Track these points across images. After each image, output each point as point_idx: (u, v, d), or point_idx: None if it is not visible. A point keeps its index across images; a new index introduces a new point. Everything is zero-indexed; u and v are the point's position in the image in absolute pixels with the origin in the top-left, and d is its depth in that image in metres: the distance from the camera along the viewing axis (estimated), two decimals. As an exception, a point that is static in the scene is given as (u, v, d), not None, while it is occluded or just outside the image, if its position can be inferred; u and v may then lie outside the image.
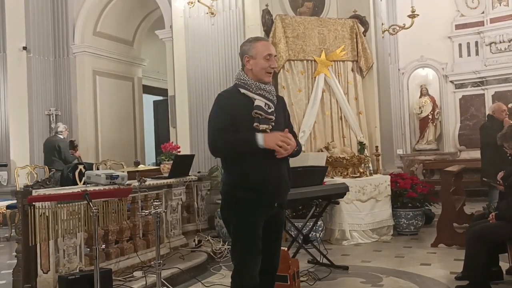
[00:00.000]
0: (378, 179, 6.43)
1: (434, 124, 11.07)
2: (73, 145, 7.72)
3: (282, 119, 2.81)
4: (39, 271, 3.82)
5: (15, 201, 5.18)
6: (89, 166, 6.59)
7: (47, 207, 3.55)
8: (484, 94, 10.62)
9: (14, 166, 7.91)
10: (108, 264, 4.23)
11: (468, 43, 10.78)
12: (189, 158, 5.86)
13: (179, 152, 6.01)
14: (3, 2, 8.64)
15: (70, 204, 3.65)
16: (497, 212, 4.04)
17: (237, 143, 2.65)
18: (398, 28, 8.20)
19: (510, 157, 4.38)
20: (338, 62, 7.22)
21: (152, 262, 4.36)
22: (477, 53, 10.70)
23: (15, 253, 4.01)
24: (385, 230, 6.31)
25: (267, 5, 6.98)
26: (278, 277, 3.00)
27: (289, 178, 2.85)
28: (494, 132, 5.23)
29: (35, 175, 7.52)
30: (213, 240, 5.77)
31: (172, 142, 6.36)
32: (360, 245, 5.98)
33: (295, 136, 2.84)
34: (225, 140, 2.64)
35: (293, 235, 5.23)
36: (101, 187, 4.07)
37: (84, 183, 4.65)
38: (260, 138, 2.59)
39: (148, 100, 11.56)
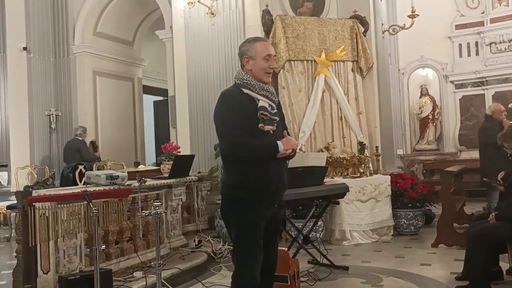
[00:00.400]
0: (378, 179, 6.42)
1: (434, 124, 11.07)
2: (93, 146, 8.40)
3: (280, 121, 2.82)
4: (39, 272, 3.82)
5: (15, 202, 5.19)
6: (89, 167, 6.60)
7: (47, 208, 3.55)
8: (484, 94, 10.62)
9: (14, 167, 7.91)
10: (108, 265, 4.23)
11: (468, 43, 10.78)
12: (189, 159, 5.86)
13: (179, 152, 6.02)
14: (3, 3, 8.65)
15: (70, 204, 3.65)
16: (497, 212, 4.04)
17: (261, 149, 2.67)
18: (398, 28, 8.20)
19: (510, 157, 4.38)
20: (338, 62, 7.22)
21: (152, 263, 4.36)
22: (477, 53, 10.69)
23: (15, 254, 4.00)
24: (385, 230, 6.31)
25: (267, 5, 6.98)
26: (278, 278, 3.00)
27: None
28: (494, 132, 5.23)
29: (35, 176, 7.53)
30: (213, 240, 5.77)
31: (172, 143, 6.37)
32: (360, 245, 5.98)
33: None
34: (247, 143, 2.64)
35: (293, 236, 5.23)
36: (101, 188, 4.07)
37: (84, 184, 4.65)
38: (280, 145, 2.65)
39: (148, 100, 11.56)
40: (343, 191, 5.19)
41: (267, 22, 6.94)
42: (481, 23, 10.59)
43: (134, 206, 4.78)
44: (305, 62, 7.06)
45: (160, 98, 11.73)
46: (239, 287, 2.71)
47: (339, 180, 6.11)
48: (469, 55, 10.78)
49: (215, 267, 5.03)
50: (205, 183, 6.62)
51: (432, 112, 11.05)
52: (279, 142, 2.66)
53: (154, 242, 4.44)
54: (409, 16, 7.58)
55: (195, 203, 6.39)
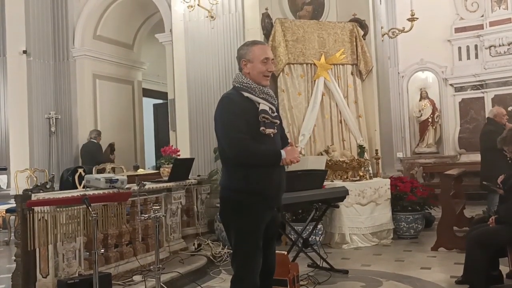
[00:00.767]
0: (378, 183, 6.43)
1: (434, 127, 11.07)
2: (111, 148, 8.79)
3: (279, 123, 2.84)
4: (38, 275, 3.81)
5: (14, 205, 5.18)
6: (88, 170, 6.58)
7: (46, 211, 3.55)
8: (483, 97, 10.62)
9: (13, 170, 7.90)
10: (107, 268, 4.23)
11: (468, 46, 10.78)
12: (189, 162, 5.86)
13: (179, 155, 6.00)
14: (3, 6, 8.66)
15: (70, 208, 3.64)
16: (497, 216, 4.04)
17: (266, 156, 2.68)
18: (397, 31, 8.21)
19: (510, 161, 4.38)
20: (338, 65, 7.23)
21: (151, 266, 4.37)
22: (476, 56, 10.70)
23: (14, 257, 4.00)
24: (385, 234, 6.30)
25: (266, 9, 6.99)
26: (277, 281, 3.00)
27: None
28: (498, 135, 5.23)
29: (35, 179, 7.52)
30: (212, 244, 5.76)
31: (172, 146, 6.36)
32: (360, 249, 5.97)
33: (287, 140, 2.94)
34: (253, 150, 2.65)
35: (293, 239, 5.22)
36: (101, 191, 4.07)
37: (83, 187, 4.65)
38: (283, 154, 2.68)
39: (148, 104, 11.55)
40: (342, 194, 5.19)
41: (267, 25, 6.95)
42: (481, 26, 10.60)
43: (133, 210, 4.78)
44: (304, 65, 7.06)
45: (160, 101, 11.72)
46: (239, 291, 2.71)
47: (338, 183, 6.11)
48: (468, 58, 10.78)
49: (214, 271, 5.03)
50: (205, 186, 6.61)
51: (431, 115, 11.04)
52: (282, 151, 2.68)
53: (154, 246, 4.44)
54: (408, 19, 7.60)
55: (195, 206, 6.38)
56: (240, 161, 2.67)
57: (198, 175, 6.78)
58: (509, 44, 10.33)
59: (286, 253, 4.03)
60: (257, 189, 2.67)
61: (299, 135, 6.82)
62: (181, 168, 5.51)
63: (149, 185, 4.91)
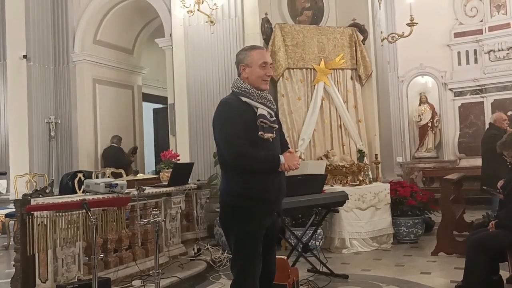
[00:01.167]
0: (378, 187, 6.42)
1: (433, 132, 11.08)
2: (132, 151, 9.40)
3: (278, 128, 2.84)
4: (37, 280, 3.80)
5: (14, 210, 5.17)
6: (88, 175, 6.59)
7: (45, 216, 3.54)
8: (483, 102, 10.64)
9: (13, 174, 7.89)
10: (106, 273, 4.22)
11: (467, 51, 10.81)
12: (189, 166, 5.86)
13: (179, 160, 6.00)
14: (3, 11, 8.67)
15: (69, 213, 3.64)
16: (497, 220, 4.03)
17: (265, 162, 2.67)
18: (397, 36, 8.22)
19: (510, 166, 4.38)
20: (337, 70, 7.24)
21: (151, 271, 4.36)
22: (476, 61, 10.73)
23: (13, 262, 3.99)
24: (385, 239, 6.29)
25: (266, 14, 7.01)
26: (277, 286, 2.99)
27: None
28: (500, 140, 5.24)
29: (34, 183, 7.51)
30: (212, 248, 5.75)
31: (172, 150, 6.36)
32: (360, 254, 5.96)
33: (287, 145, 2.94)
34: (252, 155, 2.64)
35: (293, 244, 5.22)
36: (100, 196, 4.06)
37: (83, 192, 4.64)
38: (282, 159, 2.67)
39: (148, 108, 11.55)
40: (342, 199, 5.18)
41: (267, 30, 6.96)
42: (480, 31, 10.64)
43: (133, 214, 4.77)
44: (304, 70, 7.07)
45: (160, 106, 11.73)
46: (239, 296, 2.70)
47: (338, 188, 6.11)
48: (468, 63, 10.81)
49: (214, 276, 5.01)
50: (204, 191, 6.60)
51: (431, 120, 11.06)
52: (281, 156, 2.68)
53: (153, 251, 4.42)
54: (408, 24, 7.61)
55: (194, 211, 6.37)
56: (238, 166, 2.67)
57: (198, 180, 6.78)
58: (508, 49, 10.36)
59: (286, 257, 4.02)
60: (257, 193, 2.67)
61: (298, 139, 6.82)
62: (181, 172, 5.51)
63: (148, 190, 4.92)
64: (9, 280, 4.02)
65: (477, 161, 9.85)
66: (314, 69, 7.07)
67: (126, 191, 4.31)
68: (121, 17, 9.48)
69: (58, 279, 3.80)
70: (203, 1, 6.78)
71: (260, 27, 6.94)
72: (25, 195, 4.17)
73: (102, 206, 3.75)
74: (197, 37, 7.29)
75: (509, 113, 9.39)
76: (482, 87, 10.60)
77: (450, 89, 10.96)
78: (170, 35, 7.83)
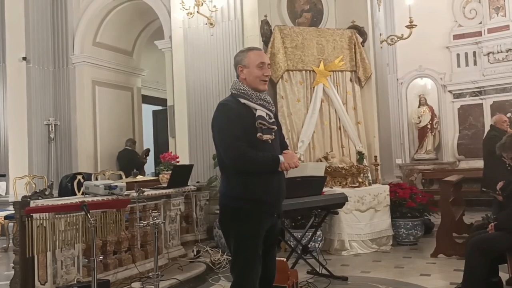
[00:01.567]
0: (377, 189, 6.42)
1: (433, 133, 11.08)
2: (146, 153, 9.80)
3: (277, 130, 2.85)
4: (37, 283, 3.80)
5: (13, 212, 5.16)
6: (87, 176, 6.58)
7: (45, 218, 3.54)
8: (482, 103, 10.65)
9: (12, 176, 7.88)
10: (106, 275, 4.21)
11: (466, 53, 10.82)
12: (188, 168, 5.86)
13: (178, 162, 6.00)
14: (3, 13, 8.67)
15: (68, 215, 3.64)
16: (496, 222, 4.03)
17: (264, 163, 2.67)
18: (396, 38, 8.24)
19: (509, 167, 4.38)
20: (337, 72, 7.25)
21: (150, 273, 4.35)
22: (475, 63, 10.74)
23: (12, 264, 3.98)
24: (384, 240, 6.29)
25: (266, 16, 7.02)
26: (277, 288, 2.98)
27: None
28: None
29: (34, 185, 7.50)
30: (212, 250, 5.74)
31: (171, 152, 6.36)
32: (360, 256, 5.96)
33: (287, 146, 2.94)
34: (251, 157, 2.63)
35: (292, 246, 5.21)
36: (100, 198, 4.06)
37: (82, 194, 4.64)
38: (282, 158, 2.67)
39: (147, 110, 11.55)
40: (342, 201, 5.18)
41: (266, 32, 6.97)
42: (479, 33, 10.65)
43: (132, 216, 4.77)
44: (303, 72, 7.08)
45: (159, 107, 11.73)
46: (238, 298, 2.70)
47: (338, 189, 6.11)
48: (467, 65, 10.83)
49: (213, 278, 5.01)
50: (204, 192, 6.60)
51: (430, 122, 11.06)
52: (281, 156, 2.68)
53: (153, 253, 4.43)
54: (407, 27, 7.63)
55: (194, 213, 6.37)
56: (237, 168, 2.67)
57: (197, 182, 6.78)
58: (507, 51, 10.38)
59: (285, 259, 4.02)
60: (256, 196, 2.67)
61: (298, 141, 6.82)
62: (180, 174, 5.51)
63: (148, 192, 4.91)
64: (8, 282, 4.02)
65: (477, 163, 9.89)
66: (313, 71, 7.08)
67: (125, 193, 4.31)
68: (120, 19, 9.48)
69: (57, 281, 3.79)
70: (202, 3, 6.78)
71: (260, 29, 6.95)
72: (24, 197, 4.15)
73: (102, 208, 3.76)
74: (197, 39, 7.30)
75: (508, 115, 9.40)
76: (481, 89, 10.62)
77: (450, 91, 10.97)
78: (170, 37, 7.83)
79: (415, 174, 10.65)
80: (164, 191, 5.22)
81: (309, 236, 5.27)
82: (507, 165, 4.39)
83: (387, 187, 6.58)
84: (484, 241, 3.93)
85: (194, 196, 6.32)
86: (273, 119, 2.77)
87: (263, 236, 2.71)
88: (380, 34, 8.26)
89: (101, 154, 9.30)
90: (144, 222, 3.72)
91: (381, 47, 8.23)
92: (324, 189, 5.48)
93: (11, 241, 6.26)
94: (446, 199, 5.85)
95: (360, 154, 7.01)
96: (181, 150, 7.26)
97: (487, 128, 9.80)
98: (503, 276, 4.18)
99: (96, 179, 7.19)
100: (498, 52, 10.44)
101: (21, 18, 8.70)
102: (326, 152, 6.97)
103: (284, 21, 7.31)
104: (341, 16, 7.65)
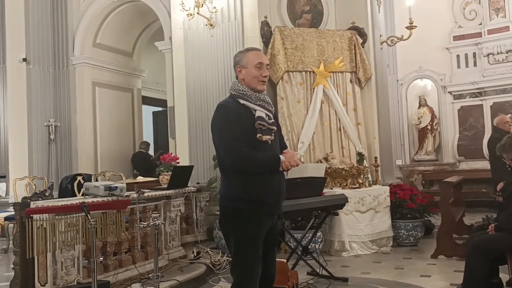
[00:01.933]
0: (377, 190, 6.42)
1: (433, 134, 11.08)
2: (159, 156, 10.06)
3: (277, 130, 2.85)
4: (37, 284, 3.79)
5: (13, 213, 5.16)
6: (88, 178, 6.58)
7: (45, 219, 3.54)
8: (482, 104, 10.65)
9: (12, 177, 7.88)
10: (106, 276, 4.21)
11: (466, 54, 10.83)
12: (188, 169, 5.86)
13: (178, 163, 6.00)
14: (3, 14, 8.68)
15: (68, 216, 3.64)
16: (496, 223, 4.03)
17: (265, 163, 2.67)
18: (396, 39, 8.25)
19: (509, 168, 4.38)
20: (337, 73, 7.25)
21: (150, 274, 4.34)
22: (475, 64, 10.74)
23: (12, 265, 3.98)
24: (384, 241, 6.29)
25: (266, 17, 7.02)
26: (277, 290, 2.98)
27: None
28: None
29: (34, 186, 7.50)
30: (212, 251, 5.74)
31: (171, 153, 6.36)
32: (360, 257, 5.95)
33: (286, 147, 2.94)
34: (252, 157, 2.63)
35: (292, 247, 5.21)
36: (100, 199, 4.06)
37: (82, 195, 4.64)
38: (282, 158, 2.67)
39: (148, 111, 11.56)
40: (342, 202, 5.18)
41: (266, 33, 6.97)
42: (479, 34, 10.65)
43: (132, 217, 4.77)
44: (303, 73, 7.08)
45: (159, 108, 11.73)
46: (238, 299, 2.70)
47: (338, 190, 6.11)
48: (467, 66, 10.83)
49: (213, 279, 5.01)
50: (204, 194, 6.60)
51: (430, 123, 11.07)
52: (281, 156, 2.68)
53: (153, 254, 4.42)
54: (407, 28, 7.63)
55: (194, 214, 6.37)
56: (237, 168, 2.67)
57: (197, 183, 6.77)
58: (507, 52, 10.38)
59: (285, 260, 4.02)
60: (256, 196, 2.66)
61: (298, 142, 6.82)
62: (180, 175, 5.51)
63: (148, 193, 4.91)
64: (8, 283, 4.01)
65: (477, 164, 9.90)
66: (313, 72, 7.08)
67: (125, 194, 4.30)
68: (120, 20, 9.49)
69: (57, 282, 3.79)
70: (202, 4, 6.79)
71: (260, 30, 6.95)
72: (24, 198, 4.15)
73: (102, 209, 3.76)
74: (197, 40, 7.30)
75: (509, 116, 9.41)
76: (481, 90, 10.62)
77: (450, 92, 10.98)
78: (170, 38, 7.84)
79: (415, 175, 10.66)
80: (164, 192, 5.22)
81: (309, 237, 5.27)
82: (507, 166, 4.38)
83: (387, 188, 6.58)
84: (484, 242, 3.93)
85: (194, 197, 6.32)
86: (272, 120, 2.77)
87: (263, 236, 2.71)
88: (380, 35, 8.26)
89: (101, 155, 9.30)
90: (144, 223, 3.72)
91: (381, 48, 8.23)
92: (324, 190, 5.48)
93: (11, 242, 6.26)
94: (446, 200, 5.85)
95: (360, 155, 7.00)
96: (181, 151, 7.26)
97: (487, 129, 9.84)
98: (504, 277, 4.18)
99: (96, 180, 7.18)
100: (498, 53, 10.45)
101: (21, 19, 8.71)
102: (326, 153, 6.97)
103: (284, 22, 7.32)
104: (341, 17, 7.66)
